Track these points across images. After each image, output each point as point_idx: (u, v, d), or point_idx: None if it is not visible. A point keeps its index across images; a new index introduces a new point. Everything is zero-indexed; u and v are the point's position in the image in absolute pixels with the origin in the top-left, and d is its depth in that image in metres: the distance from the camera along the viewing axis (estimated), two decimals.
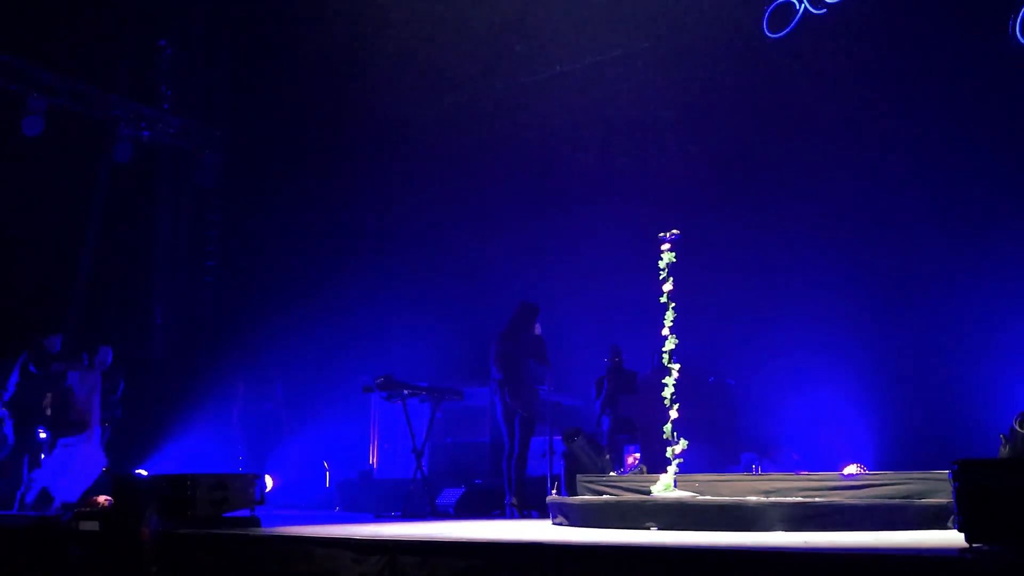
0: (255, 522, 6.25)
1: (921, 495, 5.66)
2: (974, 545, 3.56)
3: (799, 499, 5.80)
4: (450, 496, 9.45)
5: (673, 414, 6.32)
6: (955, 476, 3.48)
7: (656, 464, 7.22)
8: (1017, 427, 6.68)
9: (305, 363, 12.34)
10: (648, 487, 6.42)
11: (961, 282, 8.93)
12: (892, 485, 5.83)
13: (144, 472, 9.98)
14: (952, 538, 4.03)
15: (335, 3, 12.34)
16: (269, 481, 10.34)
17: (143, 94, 13.17)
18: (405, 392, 9.31)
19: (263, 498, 6.80)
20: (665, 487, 6.26)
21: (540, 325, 9.01)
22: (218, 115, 13.99)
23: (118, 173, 12.83)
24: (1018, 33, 8.92)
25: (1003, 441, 6.84)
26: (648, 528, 5.82)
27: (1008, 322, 8.45)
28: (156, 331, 13.33)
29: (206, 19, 13.56)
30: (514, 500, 8.57)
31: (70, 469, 9.59)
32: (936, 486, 5.66)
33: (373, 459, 11.39)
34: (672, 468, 6.34)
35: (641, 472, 7.97)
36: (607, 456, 8.69)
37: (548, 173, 11.79)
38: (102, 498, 6.97)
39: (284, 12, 12.74)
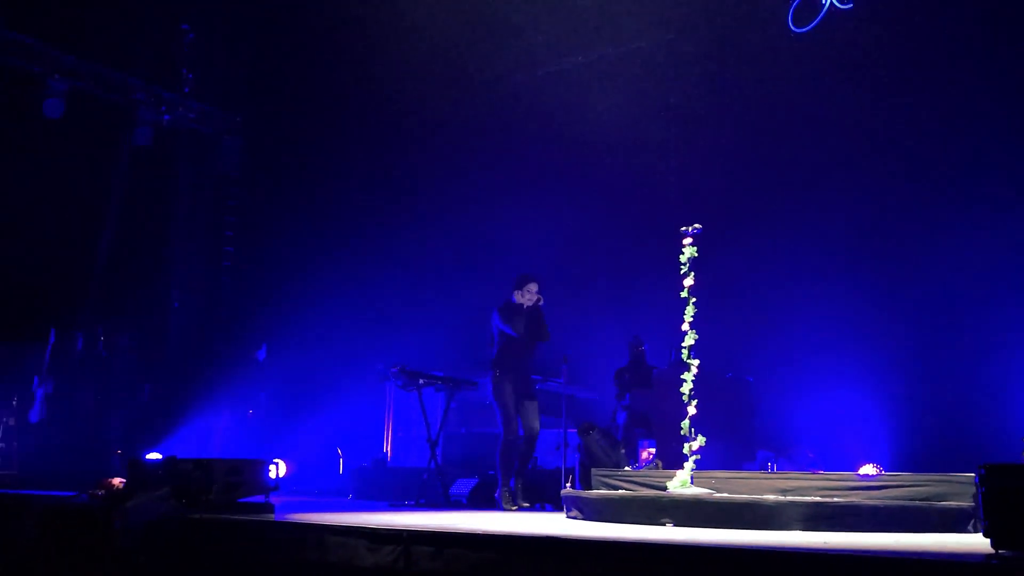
0: (269, 508, 6.25)
1: (941, 497, 5.60)
2: (1000, 551, 3.51)
3: (817, 498, 5.76)
4: (464, 486, 9.43)
5: (691, 410, 6.28)
6: (982, 480, 3.42)
7: (671, 460, 7.19)
8: None
9: (321, 349, 12.34)
10: (664, 483, 6.39)
11: (982, 282, 8.84)
12: (911, 487, 5.78)
13: (158, 455, 10.01)
14: (976, 543, 3.98)
15: None
16: (283, 466, 10.34)
17: (164, 78, 13.15)
18: (421, 381, 9.31)
19: (277, 484, 6.80)
20: (681, 483, 6.22)
21: (532, 294, 8.45)
22: (239, 101, 13.97)
23: (138, 157, 12.84)
24: None
25: None
26: (664, 524, 5.79)
27: None
28: (173, 315, 13.36)
29: (229, 4, 13.54)
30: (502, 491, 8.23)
31: None
32: (956, 488, 5.60)
33: (387, 447, 11.39)
34: (689, 464, 6.30)
35: (657, 467, 7.95)
36: (622, 450, 8.68)
37: (569, 166, 11.73)
38: (117, 480, 7.00)
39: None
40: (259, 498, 6.41)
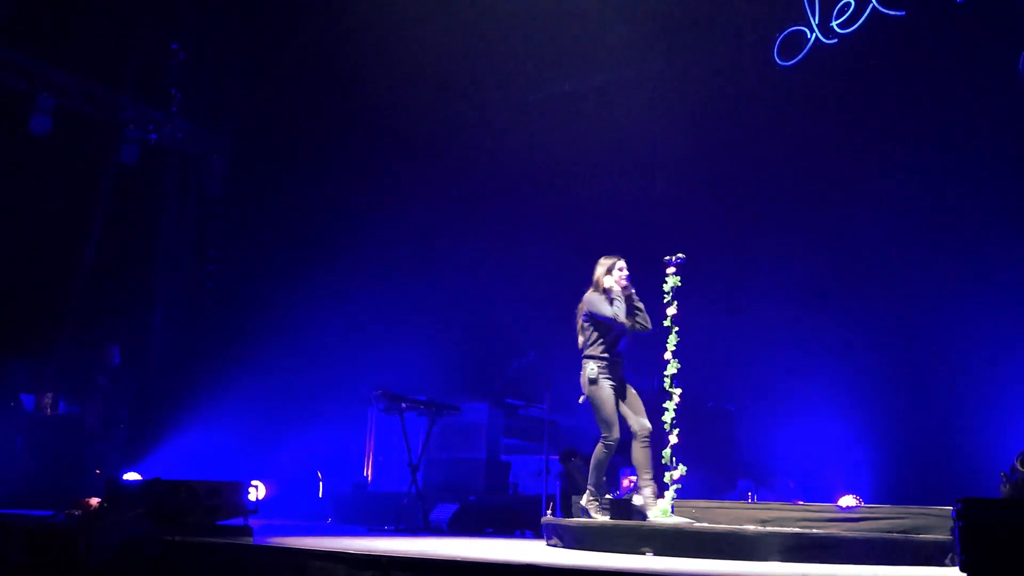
0: (248, 531, 6.21)
1: (919, 530, 5.63)
2: None
3: (797, 530, 5.78)
4: (444, 512, 9.39)
5: (673, 439, 6.29)
6: (959, 514, 3.45)
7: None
8: (1019, 465, 6.65)
9: (303, 371, 12.29)
10: (644, 511, 6.38)
11: (964, 315, 8.91)
12: (890, 519, 5.82)
13: (137, 476, 9.93)
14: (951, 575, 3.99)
15: (347, 14, 12.39)
16: (262, 489, 10.27)
17: (152, 96, 13.17)
18: (403, 405, 9.30)
19: (256, 507, 6.76)
20: (662, 512, 6.23)
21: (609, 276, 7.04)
22: (227, 121, 14.00)
23: (124, 174, 12.82)
24: None
25: (1004, 479, 6.81)
26: (644, 553, 5.79)
27: (1009, 357, 8.43)
28: (154, 334, 13.30)
29: (219, 25, 13.59)
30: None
31: None
32: (934, 522, 5.63)
33: (368, 471, 11.33)
34: (670, 493, 6.30)
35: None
36: (603, 478, 8.66)
37: (555, 192, 11.80)
38: (94, 500, 6.94)
39: (296, 21, 12.79)
40: (238, 521, 6.36)
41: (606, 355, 6.77)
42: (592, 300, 6.89)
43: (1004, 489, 6.76)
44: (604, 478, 6.90)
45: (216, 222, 13.91)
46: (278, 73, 13.34)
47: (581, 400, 7.01)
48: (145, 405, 12.10)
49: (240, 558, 5.31)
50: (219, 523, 6.28)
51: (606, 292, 6.82)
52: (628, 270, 6.99)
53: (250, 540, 5.93)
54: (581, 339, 6.97)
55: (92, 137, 12.62)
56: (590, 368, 6.77)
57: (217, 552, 5.42)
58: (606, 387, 6.72)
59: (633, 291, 6.95)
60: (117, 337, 11.80)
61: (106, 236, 12.75)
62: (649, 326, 6.89)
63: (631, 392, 6.85)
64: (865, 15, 10.03)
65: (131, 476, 9.99)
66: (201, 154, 13.89)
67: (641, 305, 6.94)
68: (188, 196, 13.91)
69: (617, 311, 6.73)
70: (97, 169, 12.85)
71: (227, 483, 6.58)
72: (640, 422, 6.66)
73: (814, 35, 10.39)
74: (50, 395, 10.53)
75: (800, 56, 10.47)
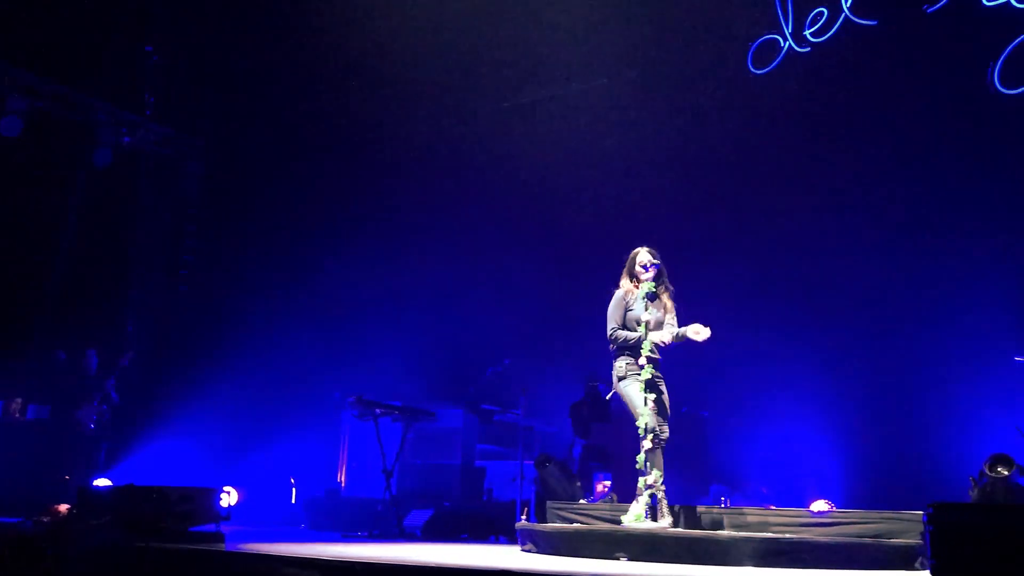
0: (220, 538, 6.16)
1: (890, 534, 5.68)
2: None
3: (770, 534, 5.81)
4: (418, 518, 9.37)
5: (646, 444, 6.30)
6: (930, 519, 3.49)
7: (627, 493, 7.19)
8: (987, 470, 6.75)
9: (276, 377, 12.22)
10: (619, 517, 6.40)
11: (934, 323, 9.02)
12: (862, 524, 5.86)
13: (108, 482, 9.83)
14: None
15: (323, 21, 12.38)
16: (234, 495, 10.20)
17: (126, 100, 13.05)
18: (377, 411, 9.27)
19: (229, 514, 6.72)
20: (636, 517, 6.24)
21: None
22: (201, 126, 13.91)
23: (97, 178, 12.70)
24: (996, 80, 9.07)
25: (973, 484, 6.91)
26: (618, 559, 5.80)
27: (977, 364, 8.53)
28: (126, 339, 13.17)
29: (194, 28, 13.50)
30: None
31: None
32: (905, 526, 5.68)
33: (342, 477, 11.28)
34: (644, 498, 6.31)
35: (612, 501, 7.96)
36: (578, 483, 8.69)
37: (530, 198, 11.80)
38: (63, 507, 6.87)
39: (272, 26, 12.74)
40: (210, 527, 6.32)
41: (634, 354, 6.50)
42: (610, 305, 6.68)
43: (973, 493, 6.86)
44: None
45: (190, 227, 13.81)
46: (254, 78, 13.27)
47: (609, 396, 6.87)
48: (117, 409, 11.97)
49: (212, 564, 5.27)
50: (191, 529, 6.24)
51: (626, 297, 6.60)
52: (654, 257, 6.62)
53: (222, 546, 5.89)
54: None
55: (64, 140, 12.50)
56: (618, 365, 6.57)
57: (189, 558, 5.38)
58: (634, 383, 6.46)
59: (657, 285, 6.60)
60: (89, 342, 11.69)
61: (78, 240, 12.63)
62: (666, 340, 6.47)
63: (662, 394, 6.53)
64: (838, 24, 10.14)
65: (102, 482, 9.90)
66: (176, 158, 13.80)
67: (663, 304, 6.58)
68: (162, 201, 13.80)
69: (613, 327, 6.57)
70: (69, 172, 12.72)
71: (199, 489, 6.55)
72: (662, 429, 6.44)
73: (787, 43, 10.49)
74: (19, 400, 10.38)
75: (773, 64, 10.56)
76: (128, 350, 11.33)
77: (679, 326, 6.56)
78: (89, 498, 6.57)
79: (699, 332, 6.38)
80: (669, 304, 6.69)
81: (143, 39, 13.13)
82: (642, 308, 6.55)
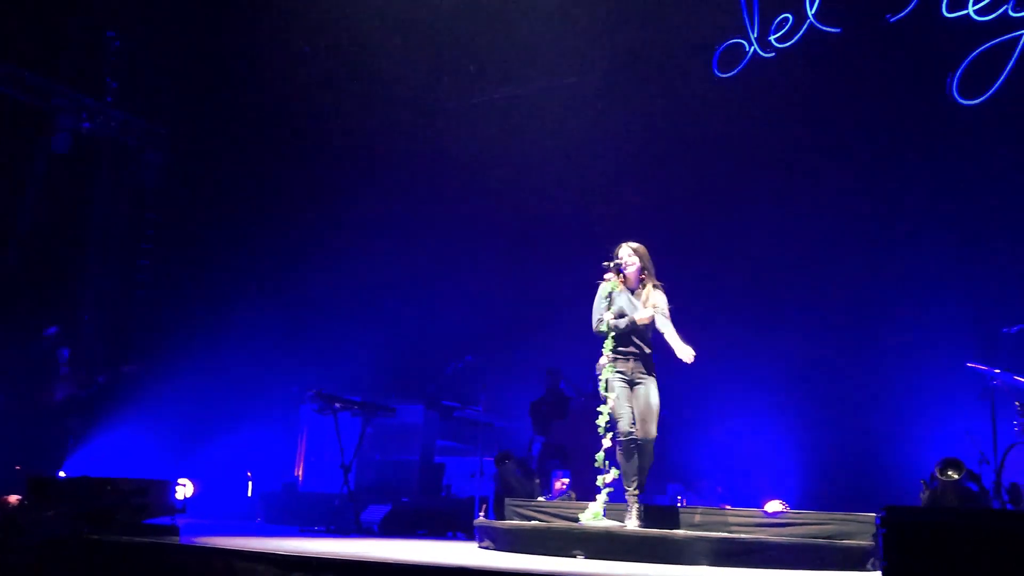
0: (175, 531, 6.09)
1: (843, 536, 5.76)
2: None
3: (725, 534, 5.87)
4: (376, 513, 9.34)
5: (606, 443, 6.33)
6: (883, 521, 3.54)
7: (585, 491, 7.24)
8: (938, 474, 6.87)
9: (235, 369, 12.11)
10: (577, 515, 6.43)
11: (889, 326, 9.16)
12: (815, 525, 5.95)
13: (61, 473, 9.69)
14: None
15: (289, 11, 12.28)
16: (190, 487, 10.10)
17: (87, 85, 12.83)
18: (337, 405, 9.22)
19: (184, 506, 6.65)
20: (594, 515, 6.27)
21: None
22: (164, 113, 13.70)
23: (55, 164, 12.47)
24: (954, 91, 9.23)
25: (924, 487, 7.03)
26: (575, 556, 5.83)
27: (930, 368, 8.67)
28: (83, 327, 12.96)
29: (158, 14, 13.29)
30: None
31: None
32: (858, 528, 5.77)
33: (299, 471, 11.21)
34: (602, 496, 6.35)
35: (570, 499, 8.00)
36: (536, 481, 8.72)
37: (494, 195, 11.81)
38: (13, 497, 6.74)
39: (237, 16, 12.60)
40: (165, 520, 6.25)
41: (616, 351, 6.43)
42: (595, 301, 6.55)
43: (924, 496, 6.98)
44: (635, 476, 6.27)
45: (150, 215, 13.62)
46: (218, 66, 13.11)
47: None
48: (70, 399, 11.78)
49: (166, 558, 5.21)
50: (145, 522, 6.15)
51: (609, 296, 6.49)
52: (633, 255, 6.52)
53: (176, 539, 5.82)
54: None
55: (22, 124, 12.25)
56: (600, 362, 6.50)
57: (142, 552, 5.31)
58: (615, 383, 6.37)
59: (636, 285, 6.51)
60: (42, 330, 11.50)
61: (35, 226, 12.39)
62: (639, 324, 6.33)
63: (646, 394, 6.40)
64: (802, 31, 10.27)
65: (54, 473, 9.74)
66: (136, 146, 13.59)
67: (648, 302, 6.41)
68: (122, 188, 13.57)
69: (597, 323, 6.48)
70: (27, 158, 12.48)
71: (154, 481, 6.46)
72: (644, 428, 6.35)
73: (752, 48, 10.59)
74: None
75: (739, 68, 10.66)
76: (132, 362, 11.21)
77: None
78: (40, 489, 6.45)
79: (685, 353, 6.28)
80: (657, 301, 6.48)
81: (105, 23, 12.90)
82: (614, 305, 6.46)
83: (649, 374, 6.47)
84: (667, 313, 6.49)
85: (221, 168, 13.33)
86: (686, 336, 6.41)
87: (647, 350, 6.50)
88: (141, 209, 13.57)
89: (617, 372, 6.42)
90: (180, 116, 13.67)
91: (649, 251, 6.69)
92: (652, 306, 6.46)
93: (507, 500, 7.29)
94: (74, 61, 12.70)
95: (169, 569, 5.12)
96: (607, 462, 6.39)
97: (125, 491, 6.13)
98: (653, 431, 6.38)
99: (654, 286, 6.56)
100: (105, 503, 5.99)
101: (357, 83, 12.35)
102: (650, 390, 6.44)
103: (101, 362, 11.83)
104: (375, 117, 12.58)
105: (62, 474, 9.62)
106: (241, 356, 12.04)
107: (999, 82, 9.00)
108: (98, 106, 12.84)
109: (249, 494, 11.22)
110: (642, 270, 6.58)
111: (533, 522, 6.71)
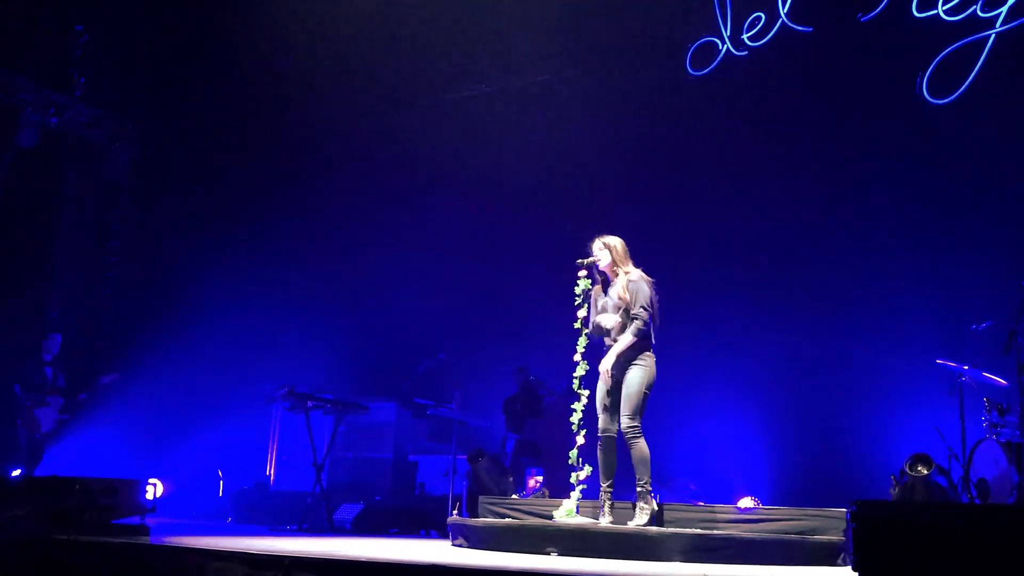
0: (145, 531, 6.03)
1: (815, 531, 5.80)
2: None
3: (697, 531, 5.89)
4: (348, 512, 9.29)
5: (580, 440, 6.34)
6: (853, 516, 3.57)
7: (559, 489, 7.24)
8: (907, 469, 6.94)
9: (205, 367, 12.01)
10: (550, 512, 6.43)
11: (858, 321, 9.23)
12: (787, 521, 5.98)
13: (15, 473, 9.58)
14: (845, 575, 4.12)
15: (259, 7, 12.19)
16: (160, 487, 10.00)
17: (55, 80, 12.65)
18: (309, 404, 9.16)
19: (154, 506, 6.58)
20: (567, 513, 6.27)
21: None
22: (132, 109, 13.56)
23: (21, 159, 12.29)
24: (925, 91, 9.32)
25: (894, 482, 7.10)
26: (549, 553, 5.83)
27: (900, 364, 8.76)
28: (50, 325, 12.79)
29: (127, 9, 13.15)
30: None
31: None
32: (828, 523, 5.81)
33: (271, 470, 11.14)
34: (575, 494, 6.36)
35: (544, 496, 8.00)
36: (510, 478, 8.71)
37: (466, 192, 11.78)
38: None
39: (206, 10, 12.50)
40: (134, 520, 6.18)
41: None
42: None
43: (894, 491, 7.05)
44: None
45: (118, 211, 13.47)
46: (188, 62, 13.00)
47: None
48: (37, 398, 11.62)
49: (136, 558, 5.15)
50: (114, 522, 6.08)
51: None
52: (603, 251, 6.48)
53: (147, 539, 5.76)
54: None
55: None
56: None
57: (112, 552, 5.25)
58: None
59: (613, 278, 6.44)
60: (12, 329, 11.36)
61: (1, 223, 12.22)
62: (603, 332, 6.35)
63: (622, 387, 6.26)
64: (775, 30, 10.31)
65: (17, 473, 9.62)
66: (105, 141, 13.43)
67: (626, 295, 6.27)
68: (89, 184, 13.43)
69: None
70: None
71: (123, 481, 6.38)
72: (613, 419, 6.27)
73: (725, 47, 10.63)
74: None
75: (711, 67, 10.70)
76: (114, 371, 11.06)
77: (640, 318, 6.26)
78: (5, 489, 6.36)
79: (602, 363, 6.27)
80: (629, 295, 6.35)
81: (73, 17, 12.73)
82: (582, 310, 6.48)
83: (611, 372, 6.29)
84: (646, 305, 6.29)
85: (190, 164, 13.20)
86: (659, 333, 6.42)
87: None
88: (110, 205, 13.42)
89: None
90: (149, 111, 13.53)
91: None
92: (619, 298, 6.33)
93: (481, 498, 7.28)
94: (41, 55, 12.53)
95: (139, 569, 5.06)
96: (580, 459, 6.40)
97: (94, 491, 6.04)
98: (607, 429, 6.30)
99: (630, 281, 6.39)
100: (73, 503, 5.91)
101: (327, 79, 12.29)
102: (625, 383, 6.29)
103: (77, 370, 11.67)
104: (346, 114, 12.52)
105: (15, 473, 9.49)
106: (212, 354, 11.94)
107: (968, 81, 9.10)
108: (66, 100, 12.67)
109: (220, 493, 11.13)
110: (613, 263, 6.48)
111: (507, 519, 6.71)
